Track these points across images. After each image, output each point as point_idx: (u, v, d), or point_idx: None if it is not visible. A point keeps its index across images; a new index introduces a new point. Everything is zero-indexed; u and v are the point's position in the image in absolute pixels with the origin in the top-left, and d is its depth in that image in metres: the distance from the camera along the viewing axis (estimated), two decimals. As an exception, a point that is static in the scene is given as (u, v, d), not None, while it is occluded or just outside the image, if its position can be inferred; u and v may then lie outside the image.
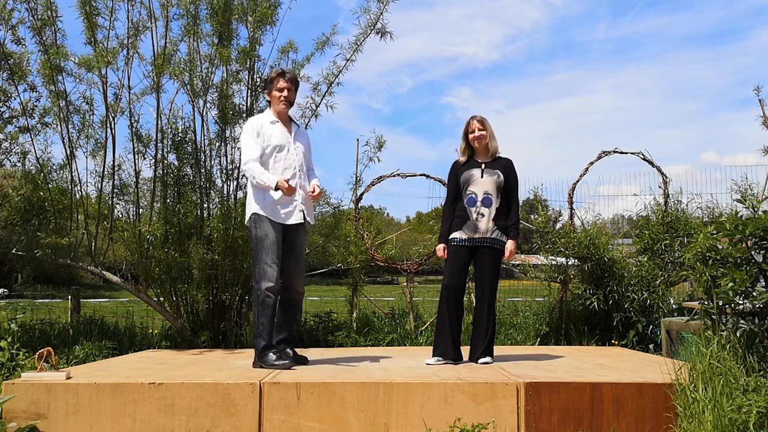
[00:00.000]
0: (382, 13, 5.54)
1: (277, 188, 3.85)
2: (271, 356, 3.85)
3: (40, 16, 5.40)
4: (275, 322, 4.02)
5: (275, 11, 5.55)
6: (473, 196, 4.14)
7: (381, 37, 5.60)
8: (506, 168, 4.20)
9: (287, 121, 4.15)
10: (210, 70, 5.58)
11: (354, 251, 6.36)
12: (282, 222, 3.96)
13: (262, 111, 5.84)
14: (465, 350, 4.27)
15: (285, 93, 4.06)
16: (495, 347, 4.25)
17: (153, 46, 5.52)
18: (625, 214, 7.11)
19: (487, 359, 4.08)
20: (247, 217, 4.05)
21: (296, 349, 4.17)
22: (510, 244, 4.15)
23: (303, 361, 4.06)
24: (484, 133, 4.17)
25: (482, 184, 4.14)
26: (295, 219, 4.00)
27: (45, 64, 5.39)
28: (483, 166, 4.17)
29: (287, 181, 3.88)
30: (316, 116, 5.83)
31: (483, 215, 4.11)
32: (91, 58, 5.32)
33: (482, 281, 4.18)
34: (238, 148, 5.79)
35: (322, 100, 5.79)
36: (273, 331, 3.96)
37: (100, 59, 5.27)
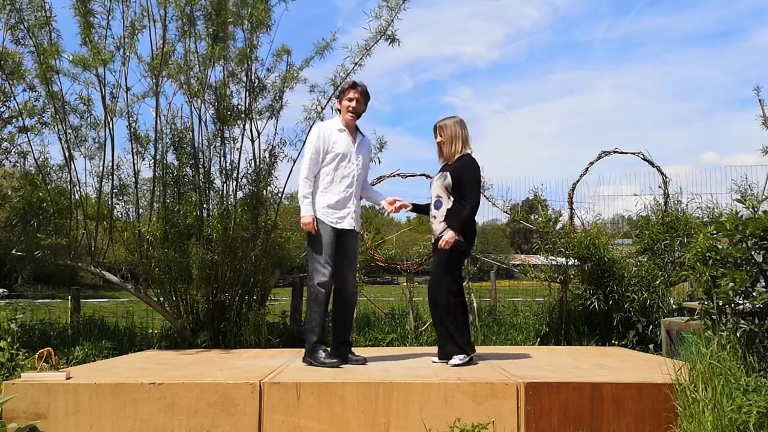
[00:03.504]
0: (393, 20, 5.54)
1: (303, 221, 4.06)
2: (321, 353, 4.00)
3: (27, 17, 5.39)
4: (336, 325, 4.24)
5: (269, 14, 5.53)
6: (430, 200, 4.24)
7: (390, 43, 5.61)
8: (458, 167, 4.10)
9: (353, 130, 4.29)
10: (206, 71, 5.58)
11: (354, 251, 6.35)
12: (334, 226, 4.12)
13: (260, 112, 5.89)
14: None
15: (353, 104, 4.21)
16: (495, 347, 4.27)
17: (150, 46, 5.52)
18: (625, 214, 7.11)
19: (454, 360, 3.98)
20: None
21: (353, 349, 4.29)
22: (446, 234, 4.03)
23: (362, 361, 4.12)
24: (440, 139, 4.23)
25: (434, 188, 4.21)
26: (347, 225, 4.17)
27: (40, 64, 5.38)
28: (439, 170, 4.25)
29: (345, 192, 4.13)
30: (321, 118, 5.81)
31: (435, 217, 4.16)
32: (86, 56, 5.33)
33: None
34: (238, 149, 5.80)
35: (328, 102, 5.78)
36: (324, 329, 4.14)
37: (95, 58, 5.27)
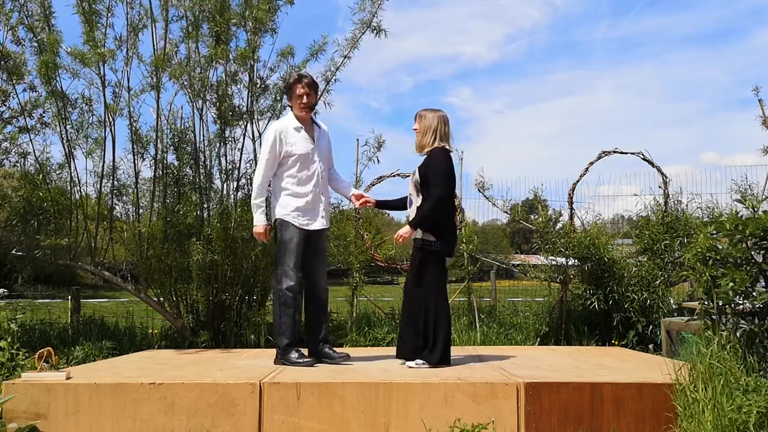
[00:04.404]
0: (376, 12, 5.56)
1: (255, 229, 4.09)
2: (294, 354, 3.96)
3: (31, 14, 5.39)
4: (310, 324, 4.18)
5: (272, 15, 5.54)
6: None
7: (376, 34, 5.62)
8: (426, 163, 3.95)
9: (309, 125, 4.18)
10: (208, 71, 5.58)
11: (354, 251, 6.36)
12: (305, 228, 4.07)
13: (261, 112, 5.89)
14: (471, 350, 4.26)
15: (304, 99, 4.08)
16: (495, 347, 4.23)
17: (153, 46, 5.53)
18: (625, 214, 7.12)
19: (411, 363, 3.86)
20: (272, 221, 4.19)
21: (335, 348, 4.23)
22: (402, 229, 3.95)
23: (345, 357, 4.08)
24: (415, 127, 4.06)
25: (408, 185, 4.09)
26: (318, 225, 4.13)
27: (42, 63, 5.38)
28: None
29: (311, 190, 4.05)
30: (314, 114, 5.82)
31: (408, 216, 4.07)
32: (85, 51, 5.34)
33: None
34: (239, 149, 5.81)
35: (319, 97, 5.79)
36: (297, 330, 4.07)
37: (94, 52, 5.28)
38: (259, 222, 4.06)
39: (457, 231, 4.32)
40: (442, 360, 3.87)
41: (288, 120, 4.16)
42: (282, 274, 4.04)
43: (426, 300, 3.90)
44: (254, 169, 5.80)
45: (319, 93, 4.28)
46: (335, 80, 5.76)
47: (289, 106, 4.21)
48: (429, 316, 3.89)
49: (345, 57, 5.70)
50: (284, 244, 4.05)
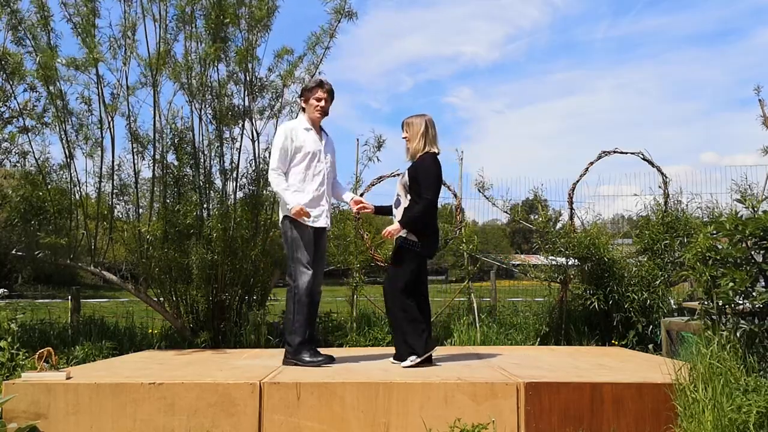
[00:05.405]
0: None
1: (296, 210, 4.00)
2: (306, 354, 3.99)
3: (26, 18, 5.40)
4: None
5: (271, 13, 5.55)
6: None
7: (349, 19, 5.67)
8: (416, 166, 4.04)
9: (319, 129, 4.26)
10: (206, 71, 5.58)
11: (354, 251, 6.36)
12: (311, 225, 4.10)
13: (261, 112, 5.89)
14: (460, 350, 4.26)
15: (322, 103, 4.18)
16: (495, 347, 4.24)
17: (150, 47, 5.53)
18: (625, 214, 7.11)
19: (405, 362, 3.91)
20: (280, 219, 4.21)
21: (318, 348, 4.22)
22: (392, 226, 4.02)
23: (331, 359, 4.10)
24: (405, 135, 4.16)
25: (397, 186, 4.17)
26: (322, 223, 4.17)
27: (39, 66, 5.37)
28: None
29: (314, 196, 4.10)
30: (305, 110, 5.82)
31: (395, 216, 4.12)
32: (78, 58, 5.34)
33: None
34: (237, 149, 5.81)
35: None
36: (307, 330, 4.07)
37: (89, 58, 5.28)
38: (294, 201, 4.00)
39: (440, 234, 4.35)
40: (428, 345, 3.94)
41: (299, 121, 4.26)
42: (297, 271, 4.06)
43: (396, 296, 3.99)
44: (254, 169, 5.84)
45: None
46: (319, 73, 5.78)
47: (302, 108, 4.26)
48: (398, 315, 3.99)
49: (326, 48, 5.74)
50: (295, 241, 4.07)
